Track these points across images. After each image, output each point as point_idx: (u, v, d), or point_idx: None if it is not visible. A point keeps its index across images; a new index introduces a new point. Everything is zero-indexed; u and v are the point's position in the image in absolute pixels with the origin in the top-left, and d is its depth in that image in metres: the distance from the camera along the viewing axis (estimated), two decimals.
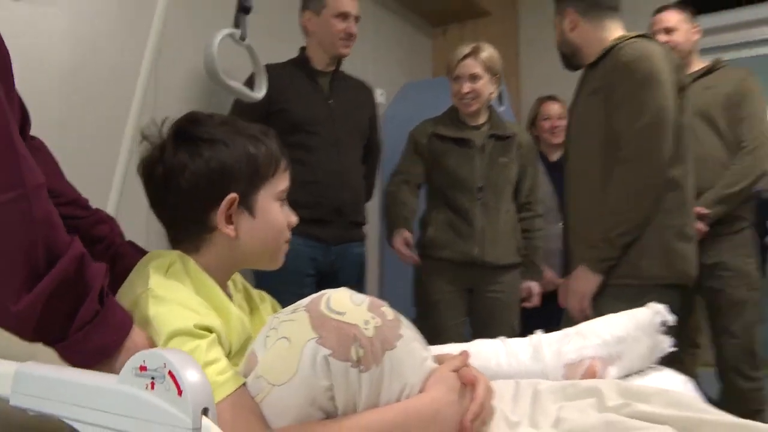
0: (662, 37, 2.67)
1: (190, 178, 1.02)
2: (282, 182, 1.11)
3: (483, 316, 2.60)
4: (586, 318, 1.63)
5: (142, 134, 1.08)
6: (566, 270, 2.14)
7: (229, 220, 1.05)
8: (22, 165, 0.80)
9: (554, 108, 3.29)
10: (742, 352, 2.52)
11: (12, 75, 0.87)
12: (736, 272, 2.52)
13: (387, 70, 3.78)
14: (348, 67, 2.63)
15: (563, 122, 3.19)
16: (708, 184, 2.46)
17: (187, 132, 1.05)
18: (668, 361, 1.37)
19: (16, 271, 0.78)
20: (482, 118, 2.67)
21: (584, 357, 1.21)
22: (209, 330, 0.90)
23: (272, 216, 1.09)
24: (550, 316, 2.23)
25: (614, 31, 2.06)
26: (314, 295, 0.86)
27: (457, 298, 2.59)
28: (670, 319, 1.31)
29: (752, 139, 2.52)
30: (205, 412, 0.60)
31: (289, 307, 0.88)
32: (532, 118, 3.39)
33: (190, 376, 0.60)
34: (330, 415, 0.83)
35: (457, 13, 4.10)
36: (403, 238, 2.55)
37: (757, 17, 3.64)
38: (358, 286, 2.56)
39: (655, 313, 1.31)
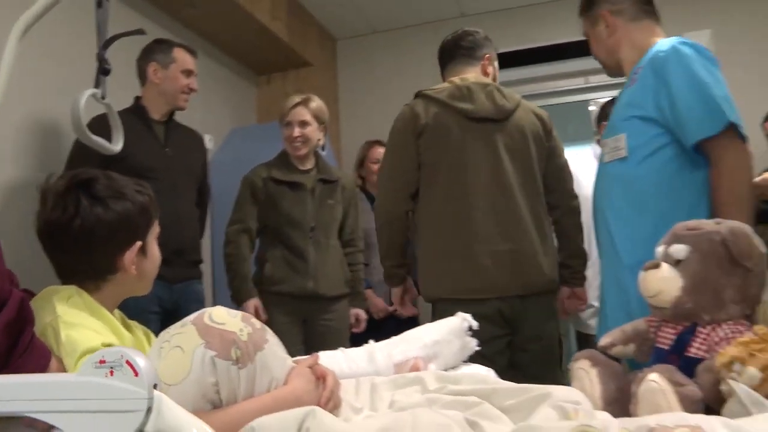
0: None
1: (102, 229, 1.20)
2: (157, 225, 1.32)
3: (317, 343, 2.78)
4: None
5: (43, 191, 1.22)
6: None
7: (132, 262, 1.24)
8: None
9: (381, 152, 3.38)
10: None
11: None
12: None
13: (214, 117, 3.90)
14: (177, 112, 2.73)
15: None
16: None
17: (95, 188, 1.22)
18: None
19: None
20: (310, 164, 2.93)
21: (409, 357, 1.49)
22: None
23: (155, 254, 1.33)
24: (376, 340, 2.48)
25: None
26: (197, 313, 1.07)
27: (293, 328, 2.80)
28: (475, 324, 1.62)
29: None
30: (154, 386, 0.78)
31: (176, 324, 1.07)
32: (361, 160, 3.61)
33: (142, 361, 0.78)
34: (216, 407, 1.02)
35: (280, 63, 4.31)
36: (254, 306, 2.75)
37: (546, 73, 4.26)
38: None
39: (462, 320, 1.61)
